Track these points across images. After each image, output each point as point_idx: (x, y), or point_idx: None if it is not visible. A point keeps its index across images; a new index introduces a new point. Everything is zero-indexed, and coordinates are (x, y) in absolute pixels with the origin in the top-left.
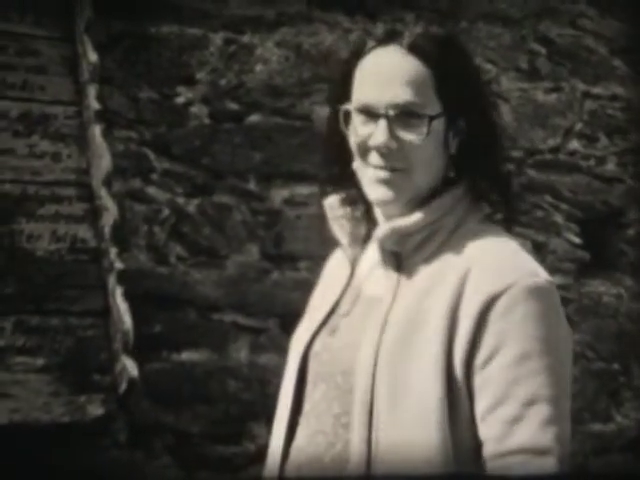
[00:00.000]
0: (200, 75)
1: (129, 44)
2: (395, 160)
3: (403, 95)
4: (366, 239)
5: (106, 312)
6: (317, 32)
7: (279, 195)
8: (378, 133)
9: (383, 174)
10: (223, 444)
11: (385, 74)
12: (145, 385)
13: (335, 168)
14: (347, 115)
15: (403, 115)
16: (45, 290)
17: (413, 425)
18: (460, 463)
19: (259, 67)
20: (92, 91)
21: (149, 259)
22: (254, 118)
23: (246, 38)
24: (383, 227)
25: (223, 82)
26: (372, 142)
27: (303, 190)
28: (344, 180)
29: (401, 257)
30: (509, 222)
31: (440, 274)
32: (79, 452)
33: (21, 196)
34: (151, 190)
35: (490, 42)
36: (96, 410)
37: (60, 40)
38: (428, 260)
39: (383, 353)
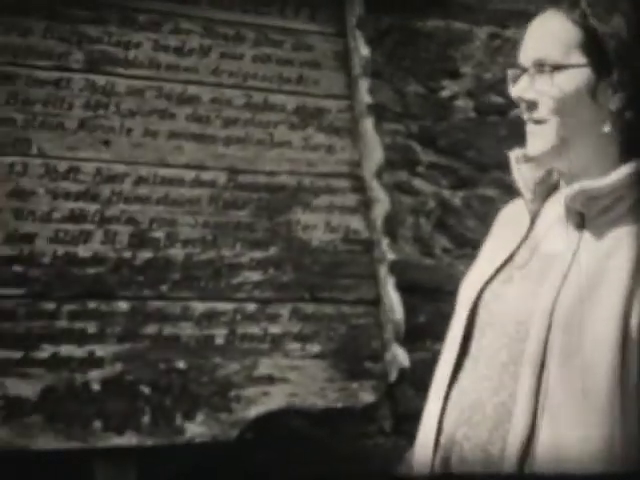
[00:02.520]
0: (465, 69)
1: (397, 39)
2: (536, 110)
3: (542, 49)
4: (548, 194)
5: (377, 301)
6: None
7: None
8: (518, 85)
9: (530, 127)
10: None
11: (532, 32)
12: (410, 374)
13: None
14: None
15: (542, 68)
16: (320, 279)
17: (582, 382)
18: (627, 425)
19: None
20: (364, 85)
21: (415, 250)
22: (518, 112)
23: (510, 32)
24: (572, 187)
25: (488, 76)
26: (514, 93)
27: None
28: None
29: (584, 218)
30: None
31: (622, 239)
32: (348, 437)
33: (297, 187)
34: (417, 182)
35: None
36: (367, 397)
37: (333, 35)
38: (612, 224)
39: (560, 308)
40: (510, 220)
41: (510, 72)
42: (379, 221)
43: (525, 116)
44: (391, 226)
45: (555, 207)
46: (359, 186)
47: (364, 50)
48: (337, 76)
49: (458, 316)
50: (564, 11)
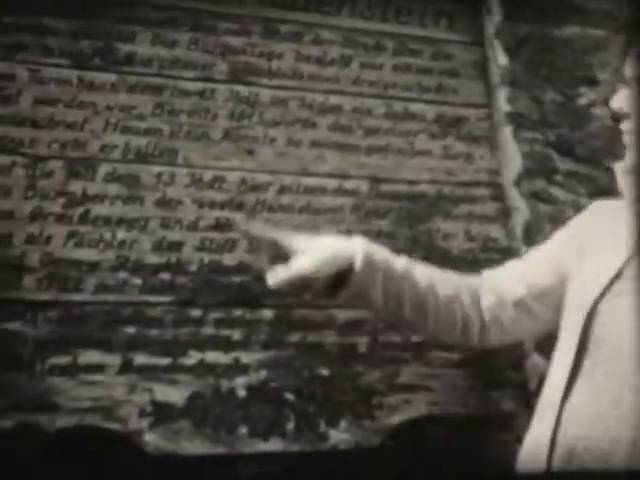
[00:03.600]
0: (602, 76)
1: (534, 47)
2: (627, 123)
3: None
4: None
5: None
6: None
7: None
8: (618, 96)
9: (626, 139)
10: None
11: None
12: None
13: None
14: None
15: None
16: None
17: None
18: None
19: None
20: (502, 93)
21: None
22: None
23: None
24: None
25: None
26: (613, 104)
27: None
28: None
29: None
30: None
31: None
32: (486, 446)
33: (437, 196)
34: (555, 190)
35: None
36: (508, 406)
37: (471, 44)
38: None
39: None
40: (601, 229)
41: (619, 85)
42: (518, 230)
43: (623, 128)
44: (530, 235)
45: None
46: (498, 195)
47: (502, 59)
48: (476, 85)
49: (570, 331)
50: None
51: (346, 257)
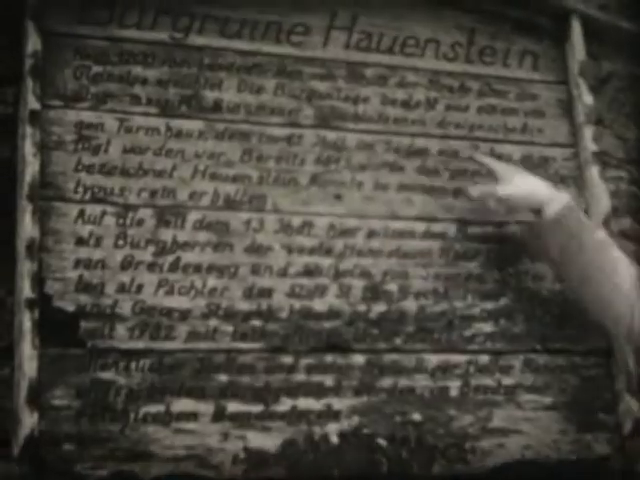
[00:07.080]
0: None
1: (618, 85)
2: None
3: None
4: None
5: (609, 352)
6: None
7: None
8: None
9: None
10: None
11: None
12: None
13: None
14: None
15: None
16: (551, 329)
17: None
18: None
19: None
20: (588, 132)
21: None
22: None
23: None
24: None
25: None
26: None
27: None
28: None
29: None
30: None
31: None
32: None
33: None
34: None
35: None
36: (602, 449)
37: (555, 83)
38: None
39: None
40: None
41: None
42: None
43: None
44: None
45: None
46: None
47: (587, 97)
48: (561, 124)
49: None
50: None
51: (539, 202)
